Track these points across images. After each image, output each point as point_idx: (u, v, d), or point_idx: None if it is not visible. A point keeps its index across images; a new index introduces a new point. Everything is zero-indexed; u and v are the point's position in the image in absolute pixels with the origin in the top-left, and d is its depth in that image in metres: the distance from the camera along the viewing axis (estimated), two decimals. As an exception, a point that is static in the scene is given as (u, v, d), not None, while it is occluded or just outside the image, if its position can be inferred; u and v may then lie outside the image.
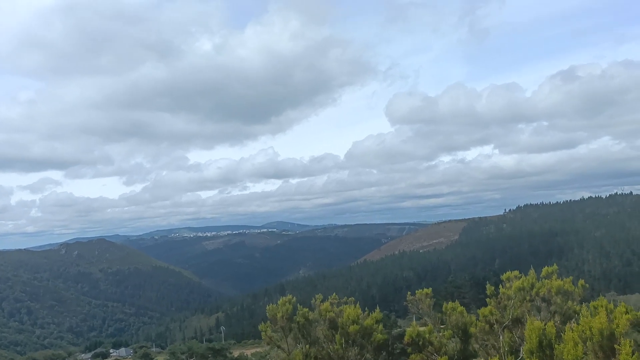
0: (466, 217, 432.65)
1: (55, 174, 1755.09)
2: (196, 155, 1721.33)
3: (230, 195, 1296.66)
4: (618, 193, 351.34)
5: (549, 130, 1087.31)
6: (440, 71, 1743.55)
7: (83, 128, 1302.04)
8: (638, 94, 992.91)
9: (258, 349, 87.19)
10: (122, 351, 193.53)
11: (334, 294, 15.27)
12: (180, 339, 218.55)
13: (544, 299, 11.95)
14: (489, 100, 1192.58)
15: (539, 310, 11.89)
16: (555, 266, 13.12)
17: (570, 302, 11.62)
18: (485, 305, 12.55)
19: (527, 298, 12.01)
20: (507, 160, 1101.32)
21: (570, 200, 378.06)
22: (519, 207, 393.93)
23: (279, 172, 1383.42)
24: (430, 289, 14.29)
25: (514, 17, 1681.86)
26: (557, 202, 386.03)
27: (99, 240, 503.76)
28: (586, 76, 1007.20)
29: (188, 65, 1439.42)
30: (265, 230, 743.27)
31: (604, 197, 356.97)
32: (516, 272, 12.97)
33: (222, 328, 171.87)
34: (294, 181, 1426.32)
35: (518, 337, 11.15)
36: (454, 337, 12.73)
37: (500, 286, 13.28)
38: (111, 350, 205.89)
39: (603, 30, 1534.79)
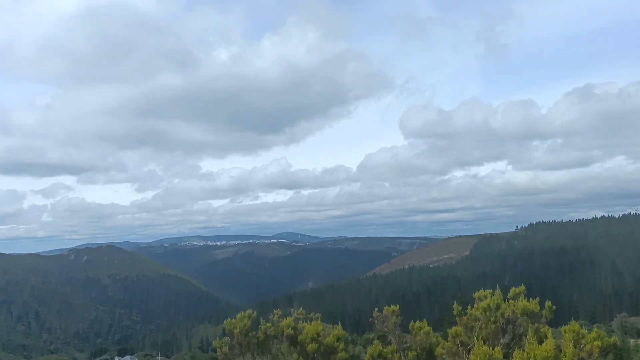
0: (477, 233, 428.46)
1: (68, 179, 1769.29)
2: (209, 164, 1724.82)
3: (242, 204, 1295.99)
4: (631, 213, 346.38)
5: (563, 148, 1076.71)
6: (456, 86, 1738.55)
7: (99, 134, 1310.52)
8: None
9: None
10: (127, 359, 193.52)
11: (301, 308, 14.60)
12: (186, 347, 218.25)
13: (508, 321, 11.24)
14: (504, 116, 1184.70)
15: (504, 332, 11.17)
16: (523, 287, 12.39)
17: (537, 324, 10.89)
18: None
19: (492, 319, 11.31)
20: (520, 177, 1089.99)
21: (583, 218, 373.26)
22: (530, 224, 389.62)
23: (290, 183, 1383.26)
24: (398, 306, 13.60)
25: (532, 35, 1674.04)
26: (570, 220, 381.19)
27: (109, 247, 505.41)
28: (603, 94, 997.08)
29: (205, 74, 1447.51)
30: (275, 240, 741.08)
31: (617, 217, 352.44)
32: (488, 292, 12.24)
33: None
34: (305, 192, 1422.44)
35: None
36: (418, 358, 12.02)
37: (469, 306, 12.58)
38: (116, 358, 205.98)
39: (621, 50, 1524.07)
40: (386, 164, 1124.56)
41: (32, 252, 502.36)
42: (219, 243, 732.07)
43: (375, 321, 13.53)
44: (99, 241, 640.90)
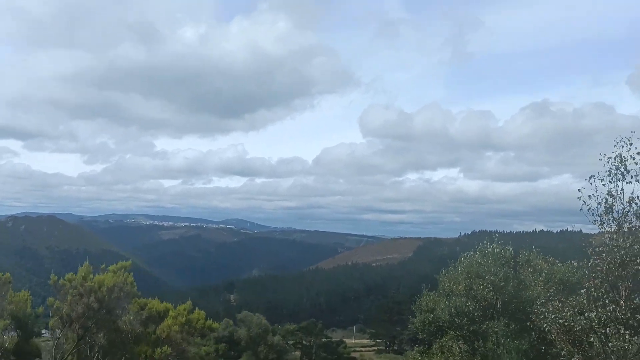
0: (423, 237, 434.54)
1: (14, 144, 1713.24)
2: (164, 143, 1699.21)
3: (194, 187, 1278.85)
4: (569, 229, 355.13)
5: (514, 161, 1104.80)
6: (420, 89, 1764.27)
7: (51, 101, 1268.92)
8: (606, 136, 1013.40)
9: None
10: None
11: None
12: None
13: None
14: (462, 124, 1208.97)
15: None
16: (129, 262, 11.07)
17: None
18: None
19: (77, 291, 9.91)
20: (471, 186, 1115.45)
21: (524, 231, 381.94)
22: (474, 232, 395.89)
23: (245, 170, 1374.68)
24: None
25: (498, 47, 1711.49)
26: (511, 231, 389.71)
27: (50, 217, 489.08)
28: (558, 112, 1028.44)
29: (169, 51, 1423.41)
30: (223, 226, 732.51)
31: (554, 232, 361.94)
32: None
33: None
34: (259, 180, 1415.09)
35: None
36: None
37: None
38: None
39: (581, 69, 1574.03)
40: (342, 160, 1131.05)
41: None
42: (166, 224, 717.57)
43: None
44: (40, 211, 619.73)
